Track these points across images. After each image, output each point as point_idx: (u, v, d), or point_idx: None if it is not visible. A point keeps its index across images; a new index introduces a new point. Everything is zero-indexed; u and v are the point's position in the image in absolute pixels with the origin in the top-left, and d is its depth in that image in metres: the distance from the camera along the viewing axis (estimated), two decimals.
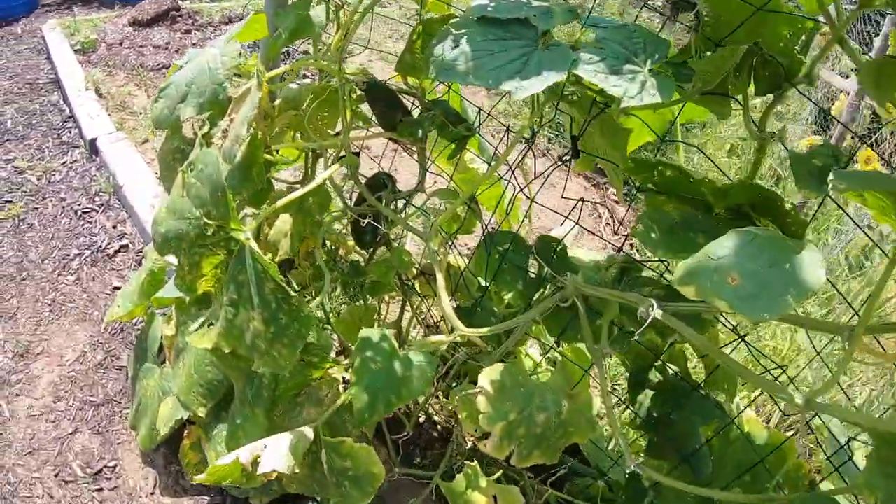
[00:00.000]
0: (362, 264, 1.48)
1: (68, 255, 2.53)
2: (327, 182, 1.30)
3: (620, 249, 1.16)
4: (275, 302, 1.01)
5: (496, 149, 1.24)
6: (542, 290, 1.25)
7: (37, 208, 2.74)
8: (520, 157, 1.16)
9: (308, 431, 1.18)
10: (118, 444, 2.07)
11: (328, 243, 1.54)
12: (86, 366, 2.22)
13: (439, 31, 1.03)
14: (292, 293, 0.96)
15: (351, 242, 1.48)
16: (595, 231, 3.22)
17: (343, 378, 1.28)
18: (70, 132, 3.23)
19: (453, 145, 1.38)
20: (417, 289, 1.50)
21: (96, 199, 2.78)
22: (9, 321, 2.34)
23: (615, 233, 3.32)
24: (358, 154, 1.50)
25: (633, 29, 0.92)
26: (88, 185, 2.85)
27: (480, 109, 1.28)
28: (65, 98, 3.48)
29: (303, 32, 1.35)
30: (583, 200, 1.16)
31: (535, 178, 1.16)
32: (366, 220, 1.20)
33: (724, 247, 0.77)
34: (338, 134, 1.38)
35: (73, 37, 4.09)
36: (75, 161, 2.99)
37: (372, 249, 1.44)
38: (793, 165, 0.90)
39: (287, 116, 1.34)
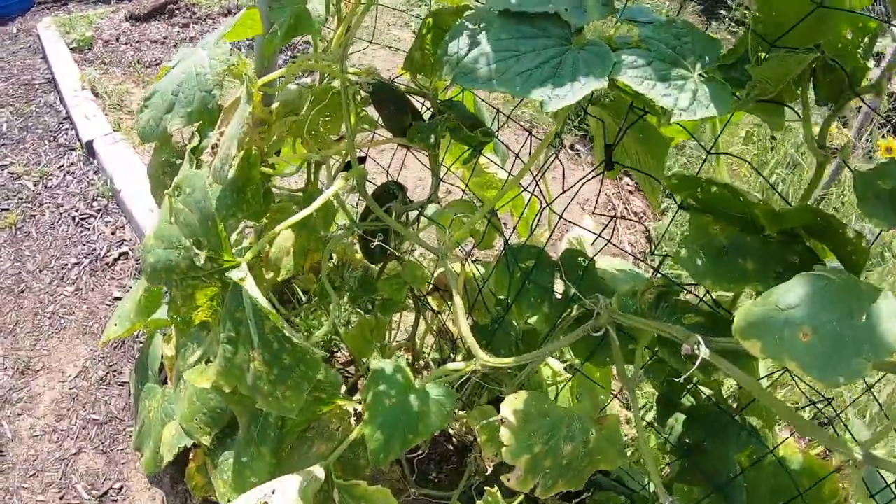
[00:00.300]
0: (373, 276, 1.36)
1: (67, 265, 2.43)
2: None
3: (657, 270, 1.04)
4: (276, 342, 0.89)
5: (517, 154, 1.11)
6: (568, 311, 1.13)
7: (34, 216, 2.64)
8: (545, 167, 1.04)
9: (319, 471, 1.07)
10: (123, 463, 1.99)
11: (335, 256, 1.42)
12: (87, 382, 2.13)
13: (453, 27, 0.90)
14: (295, 339, 0.84)
15: (360, 255, 1.36)
16: (607, 216, 3.09)
17: (355, 410, 1.17)
18: (67, 134, 3.12)
19: (468, 149, 1.25)
20: (432, 304, 1.38)
21: (94, 204, 2.67)
22: (8, 336, 2.25)
23: (638, 217, 3.18)
24: (364, 160, 1.37)
25: (680, 26, 0.78)
26: (86, 190, 2.74)
27: (498, 111, 1.15)
28: (61, 98, 3.36)
29: (300, 29, 1.22)
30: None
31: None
32: (374, 242, 1.08)
33: (793, 294, 0.64)
34: (341, 140, 1.25)
35: (69, 34, 3.96)
36: (72, 164, 2.88)
37: (382, 263, 1.32)
38: (856, 187, 0.77)
39: (286, 122, 1.22)
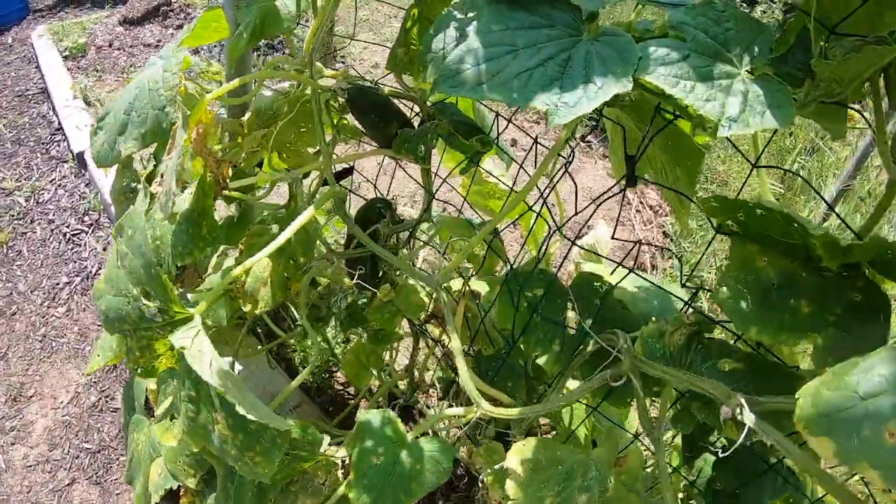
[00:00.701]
0: (363, 304, 1.20)
1: (58, 284, 2.31)
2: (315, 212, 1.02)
3: (689, 304, 0.86)
4: None
5: (521, 165, 0.94)
6: (583, 346, 0.96)
7: (25, 233, 2.52)
8: (556, 178, 0.86)
9: None
10: (117, 494, 1.87)
11: (322, 280, 1.26)
12: (80, 408, 2.01)
13: (438, 17, 0.73)
14: (251, 417, 0.68)
15: (349, 280, 1.20)
16: (623, 219, 2.89)
17: (343, 461, 1.02)
18: (59, 146, 2.99)
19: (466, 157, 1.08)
20: (431, 331, 1.22)
21: (85, 218, 2.54)
22: (0, 361, 2.14)
23: (653, 207, 2.98)
24: (349, 172, 1.21)
25: (720, 8, 0.60)
26: (77, 204, 2.60)
27: (498, 115, 0.98)
28: (53, 109, 3.23)
29: (268, 28, 1.05)
30: (640, 243, 0.86)
31: (556, 182, 0.86)
32: (361, 269, 0.92)
33: (876, 376, 0.47)
34: (320, 153, 1.09)
35: (62, 42, 3.83)
36: (63, 177, 2.75)
37: (373, 289, 1.16)
38: None
39: (256, 137, 1.06)
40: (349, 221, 0.95)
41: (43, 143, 3.01)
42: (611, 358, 0.88)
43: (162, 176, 0.81)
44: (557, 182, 0.83)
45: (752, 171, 0.72)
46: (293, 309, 1.70)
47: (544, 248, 0.87)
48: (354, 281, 1.08)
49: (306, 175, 1.15)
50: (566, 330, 0.96)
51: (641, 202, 3.01)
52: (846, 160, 3.43)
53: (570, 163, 0.82)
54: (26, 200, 2.67)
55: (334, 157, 1.05)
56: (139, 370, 0.93)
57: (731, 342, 0.90)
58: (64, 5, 4.82)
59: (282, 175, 0.94)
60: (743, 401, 0.69)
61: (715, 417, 0.77)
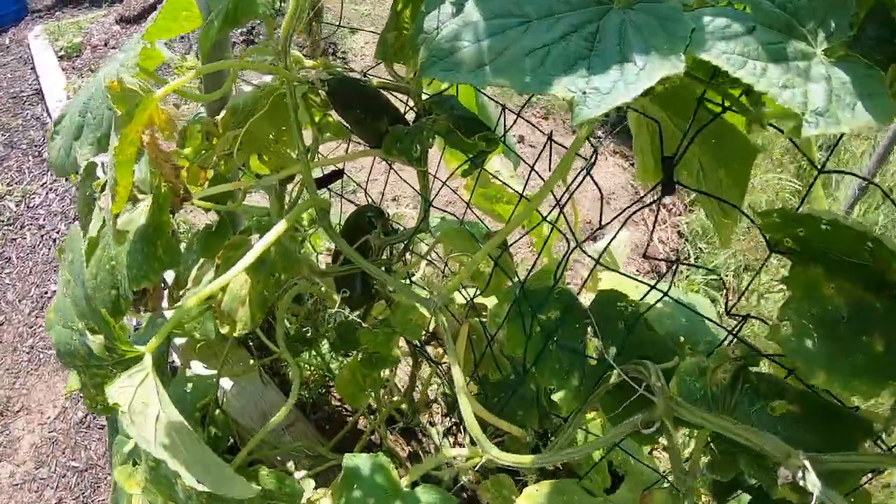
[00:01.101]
0: (355, 324, 1.06)
1: (46, 293, 2.19)
2: (297, 222, 0.88)
3: (735, 334, 0.72)
4: None
5: (532, 168, 0.80)
6: (606, 375, 0.82)
7: (14, 239, 2.40)
8: (570, 183, 0.72)
9: None
10: None
11: (308, 296, 1.12)
12: (67, 424, 1.90)
13: None
14: (208, 490, 0.55)
15: (337, 297, 1.06)
16: (637, 218, 2.74)
17: None
18: None
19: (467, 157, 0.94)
20: (431, 352, 1.08)
21: (76, 223, 2.42)
22: None
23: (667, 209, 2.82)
24: (339, 174, 1.07)
25: None
26: (67, 209, 2.49)
27: (504, 108, 0.84)
28: (47, 110, 3.12)
29: (243, 13, 0.91)
30: (677, 262, 0.72)
31: (574, 190, 0.72)
32: (348, 289, 0.79)
33: None
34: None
35: (58, 42, 3.71)
36: (55, 181, 2.64)
37: (365, 308, 1.03)
38: None
39: (228, 138, 0.92)
40: (334, 234, 0.82)
41: (36, 146, 2.89)
42: (638, 393, 0.74)
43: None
44: (578, 187, 0.69)
45: (816, 176, 0.58)
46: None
47: (562, 267, 0.73)
48: (342, 302, 0.94)
49: (290, 179, 1.01)
50: (585, 357, 0.82)
51: (654, 201, 2.86)
52: (863, 156, 3.26)
53: (594, 164, 0.68)
54: (17, 205, 2.55)
55: (319, 158, 0.92)
56: (97, 407, 0.80)
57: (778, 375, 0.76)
58: (62, 5, 4.70)
59: (253, 182, 0.80)
60: (806, 462, 0.55)
61: (769, 478, 0.63)
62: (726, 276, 2.46)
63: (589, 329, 0.80)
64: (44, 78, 3.34)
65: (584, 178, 0.67)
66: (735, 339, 0.79)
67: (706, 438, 0.74)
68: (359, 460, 0.76)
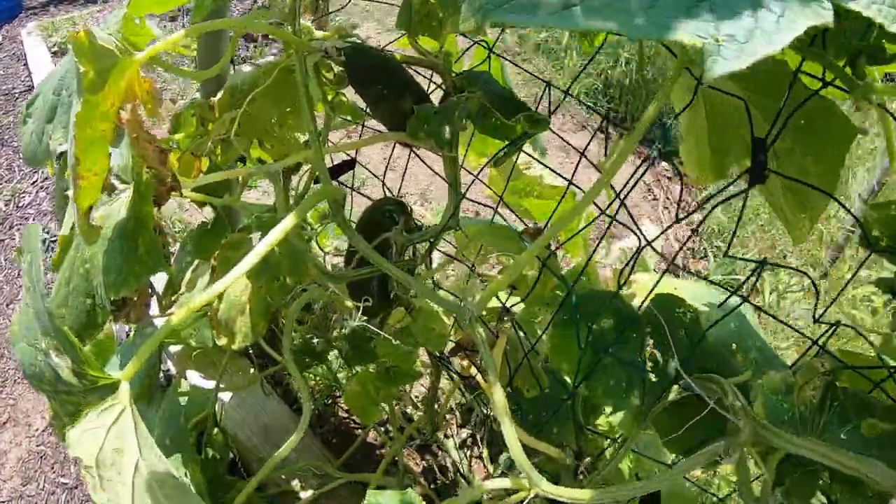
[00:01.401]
0: (371, 333, 0.93)
1: None
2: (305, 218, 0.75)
3: (822, 347, 0.60)
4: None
5: (582, 153, 0.67)
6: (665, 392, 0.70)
7: (3, 240, 2.27)
8: (635, 180, 0.60)
9: None
10: None
11: (316, 302, 0.99)
12: (55, 437, 1.77)
13: None
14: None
15: (350, 302, 0.93)
16: (651, 214, 2.61)
17: None
18: None
19: (497, 142, 0.81)
20: (456, 366, 0.95)
21: None
22: None
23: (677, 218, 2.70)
24: (351, 164, 0.94)
25: None
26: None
27: (549, 84, 0.71)
28: None
29: None
30: (763, 262, 0.58)
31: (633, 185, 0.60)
32: (366, 295, 0.66)
33: None
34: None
35: (51, 38, 3.58)
36: (46, 179, 2.50)
37: (382, 316, 0.90)
38: None
39: (228, 118, 0.79)
40: (350, 232, 0.69)
41: None
42: (705, 411, 0.62)
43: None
44: (636, 184, 0.56)
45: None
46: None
47: (629, 269, 0.60)
48: (360, 311, 0.81)
49: (295, 169, 0.88)
50: (645, 372, 0.69)
51: (668, 197, 2.74)
52: (874, 151, 3.15)
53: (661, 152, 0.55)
54: (6, 205, 2.42)
55: (329, 145, 0.79)
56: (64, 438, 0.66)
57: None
58: (57, 1, 4.57)
59: (254, 170, 0.67)
60: None
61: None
62: (743, 274, 2.34)
63: (646, 338, 0.67)
64: (37, 75, 3.20)
65: (644, 171, 0.54)
66: (821, 350, 0.66)
67: (775, 458, 0.62)
68: (383, 500, 0.63)
